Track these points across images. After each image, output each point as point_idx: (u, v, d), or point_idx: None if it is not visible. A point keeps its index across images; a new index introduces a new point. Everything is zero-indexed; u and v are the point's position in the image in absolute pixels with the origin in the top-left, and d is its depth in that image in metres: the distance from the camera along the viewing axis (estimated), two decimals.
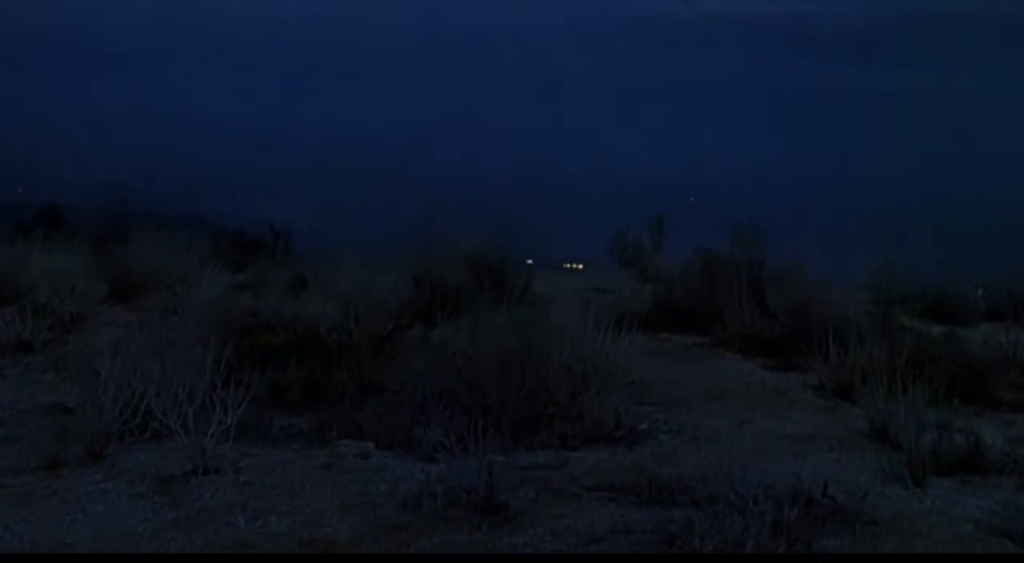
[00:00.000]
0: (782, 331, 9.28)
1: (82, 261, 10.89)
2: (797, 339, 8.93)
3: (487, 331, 7.45)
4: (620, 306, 10.62)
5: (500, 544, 5.24)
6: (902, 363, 8.30)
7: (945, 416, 7.50)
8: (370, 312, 8.69)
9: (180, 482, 6.05)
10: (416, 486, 5.95)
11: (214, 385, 6.42)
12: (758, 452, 6.77)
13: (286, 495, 5.87)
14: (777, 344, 9.20)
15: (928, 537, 5.46)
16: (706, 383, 8.39)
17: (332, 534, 5.33)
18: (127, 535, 5.33)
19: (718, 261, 10.72)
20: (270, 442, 6.92)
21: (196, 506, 5.73)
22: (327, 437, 6.88)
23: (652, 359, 8.63)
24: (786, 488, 5.65)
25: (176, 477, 6.11)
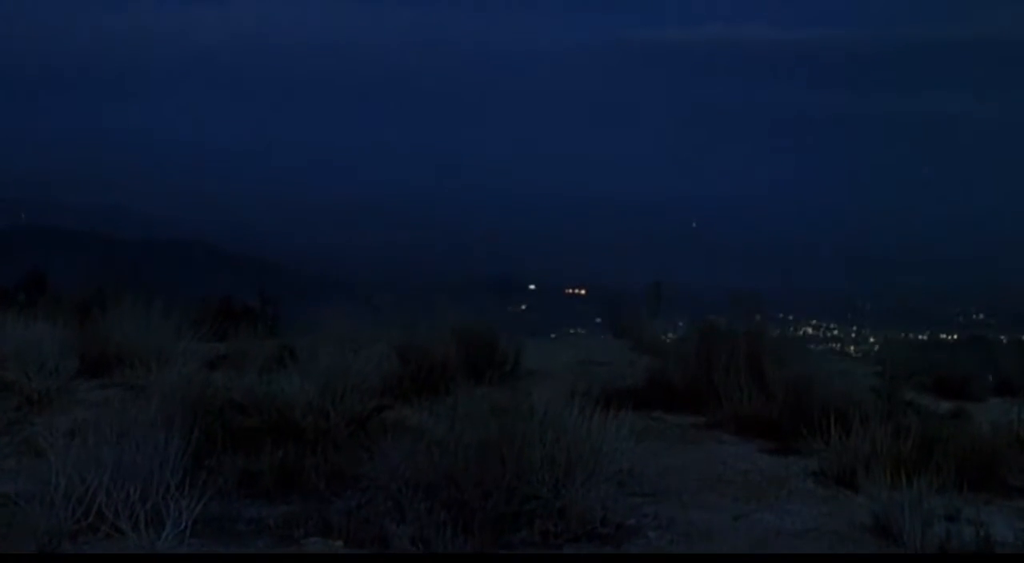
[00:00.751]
0: (781, 411, 8.85)
1: (58, 332, 10.50)
2: (797, 420, 8.50)
3: (466, 418, 7.03)
4: (613, 381, 10.26)
5: None
6: (908, 447, 7.93)
7: (954, 504, 7.08)
8: (349, 392, 8.27)
9: None
10: None
11: (168, 485, 6.01)
12: (753, 551, 6.35)
13: None
14: (776, 425, 8.76)
15: None
16: (701, 470, 7.95)
17: None
18: None
19: (716, 333, 10.31)
20: (234, 538, 6.51)
21: None
22: (294, 535, 6.47)
23: (644, 442, 8.17)
24: None
25: None
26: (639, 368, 10.73)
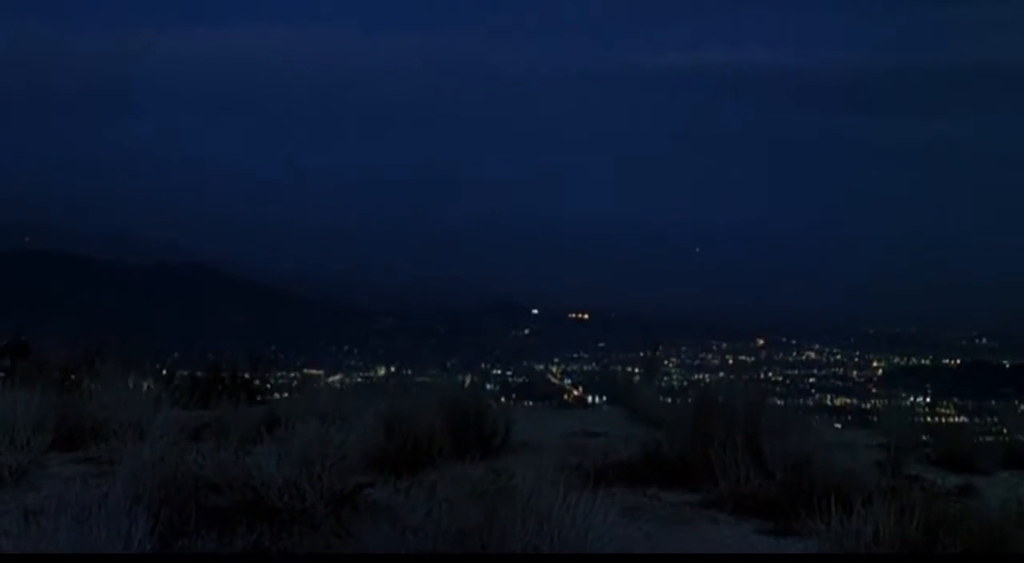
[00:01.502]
0: (780, 490, 8.47)
1: (35, 401, 10.15)
2: (796, 499, 8.12)
3: (445, 502, 6.68)
4: (607, 454, 9.93)
5: None
6: (912, 528, 7.56)
7: None
8: (328, 469, 7.92)
9: None
10: None
11: None
12: None
13: None
14: (774, 504, 8.37)
15: None
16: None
17: None
18: None
19: (713, 403, 9.95)
20: None
21: None
22: None
23: (636, 522, 7.81)
24: None
25: None
26: (635, 439, 10.34)
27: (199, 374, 12.75)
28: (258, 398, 12.55)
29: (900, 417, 11.10)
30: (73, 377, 12.15)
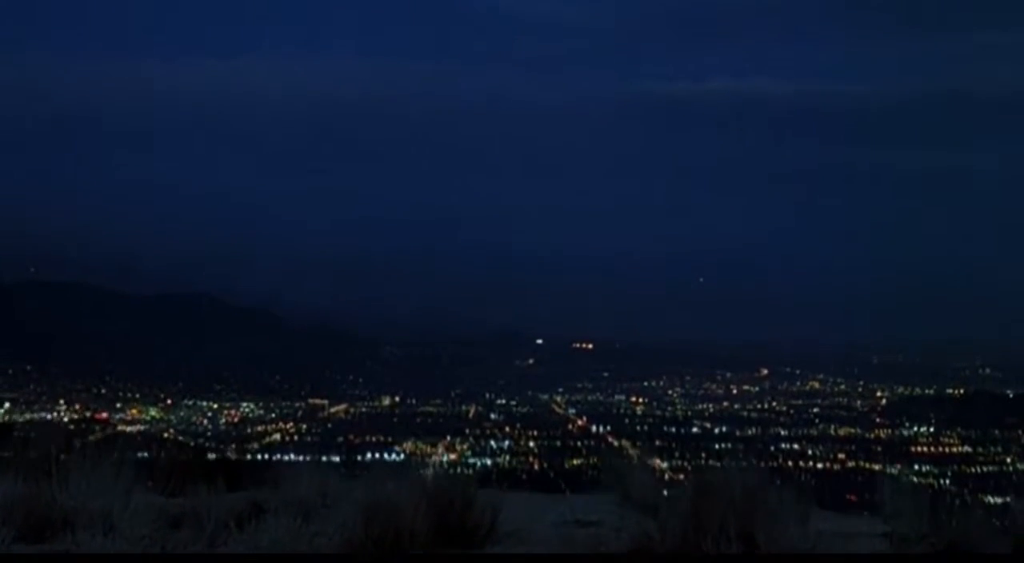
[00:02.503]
0: None
1: (5, 490, 9.80)
2: None
3: None
4: (599, 545, 9.51)
5: None
6: None
7: None
8: None
9: None
10: None
11: None
12: None
13: None
14: None
15: None
16: None
17: None
18: None
19: (711, 490, 9.54)
20: None
21: None
22: None
23: None
24: None
25: None
26: (628, 530, 9.89)
27: (174, 448, 12.35)
28: (239, 475, 12.13)
29: (905, 502, 10.64)
30: (51, 460, 11.74)
